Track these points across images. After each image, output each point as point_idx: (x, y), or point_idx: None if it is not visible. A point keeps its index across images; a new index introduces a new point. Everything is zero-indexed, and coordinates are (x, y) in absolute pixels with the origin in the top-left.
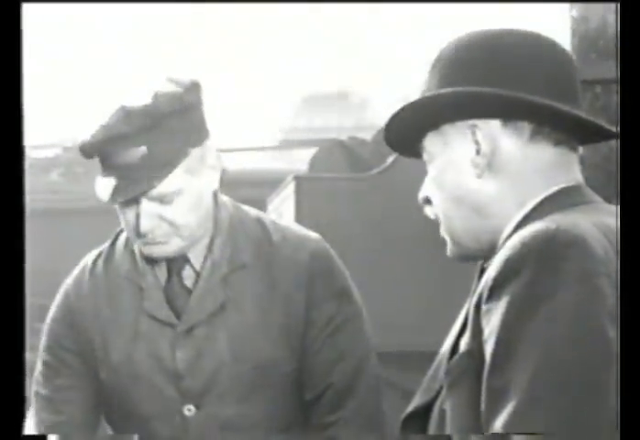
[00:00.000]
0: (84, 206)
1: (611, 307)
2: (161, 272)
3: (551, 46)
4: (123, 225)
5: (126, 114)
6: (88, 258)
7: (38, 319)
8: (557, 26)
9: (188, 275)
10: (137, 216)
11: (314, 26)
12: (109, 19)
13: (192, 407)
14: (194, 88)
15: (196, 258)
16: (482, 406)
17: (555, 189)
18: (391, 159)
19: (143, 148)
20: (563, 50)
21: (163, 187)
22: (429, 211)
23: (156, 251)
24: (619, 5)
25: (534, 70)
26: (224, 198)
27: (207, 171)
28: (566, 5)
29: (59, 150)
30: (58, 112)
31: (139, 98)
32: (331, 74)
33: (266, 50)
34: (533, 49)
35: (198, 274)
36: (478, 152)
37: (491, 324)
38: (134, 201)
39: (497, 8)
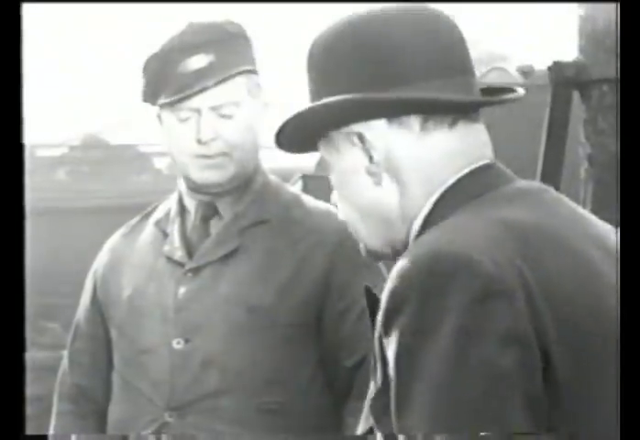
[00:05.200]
0: (90, 205)
1: (506, 330)
2: (190, 220)
3: (426, 19)
4: (176, 147)
5: (194, 27)
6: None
7: (44, 317)
8: (565, 24)
9: (214, 224)
10: (198, 127)
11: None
12: (115, 17)
13: (181, 340)
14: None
15: (224, 208)
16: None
17: (455, 178)
18: None
19: (212, 56)
20: (441, 19)
21: (224, 95)
22: (340, 214)
23: (212, 176)
24: (619, 5)
25: (411, 53)
26: (269, 174)
27: (259, 104)
28: (574, 4)
29: (65, 149)
30: (64, 111)
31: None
32: None
33: (270, 48)
34: (407, 29)
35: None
36: (371, 160)
37: (390, 361)
38: (196, 111)
39: (503, 7)
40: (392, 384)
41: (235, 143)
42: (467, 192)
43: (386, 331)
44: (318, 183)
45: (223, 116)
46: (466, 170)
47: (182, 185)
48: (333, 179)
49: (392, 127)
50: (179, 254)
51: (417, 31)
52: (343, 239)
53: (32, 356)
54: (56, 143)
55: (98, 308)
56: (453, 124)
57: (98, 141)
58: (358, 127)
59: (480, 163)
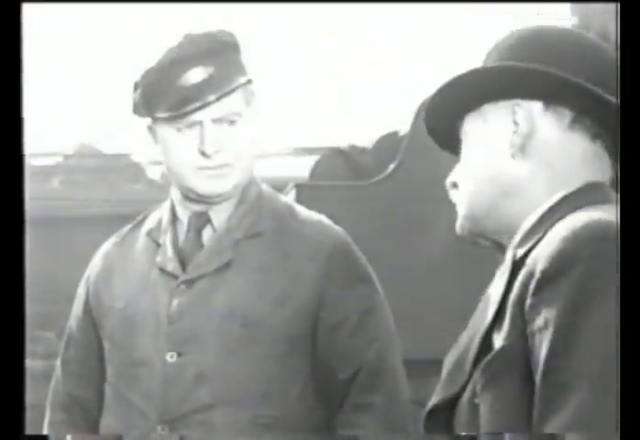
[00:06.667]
0: (84, 213)
1: None
2: (182, 230)
3: (600, 47)
4: (175, 159)
5: (192, 39)
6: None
7: (39, 326)
8: None
9: (207, 234)
10: (201, 139)
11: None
12: (110, 26)
13: (174, 354)
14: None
15: (217, 219)
16: (536, 401)
17: (584, 183)
18: (391, 167)
19: (211, 69)
20: (610, 53)
21: (225, 107)
22: (454, 195)
23: (215, 186)
24: (619, 5)
25: (583, 64)
26: (261, 183)
27: (254, 112)
28: (567, 13)
29: (59, 158)
30: (58, 120)
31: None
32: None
33: (267, 55)
34: (586, 46)
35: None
36: (515, 132)
37: (543, 319)
38: (197, 123)
39: (497, 15)
40: (546, 341)
41: (237, 154)
42: (590, 196)
43: (541, 291)
44: (312, 192)
45: (225, 128)
46: (591, 180)
47: (175, 194)
48: (466, 148)
49: (547, 112)
50: (172, 265)
51: (596, 52)
52: (336, 252)
53: (27, 365)
54: (50, 152)
55: (90, 317)
56: (594, 139)
57: (92, 150)
58: (516, 100)
59: (600, 180)
